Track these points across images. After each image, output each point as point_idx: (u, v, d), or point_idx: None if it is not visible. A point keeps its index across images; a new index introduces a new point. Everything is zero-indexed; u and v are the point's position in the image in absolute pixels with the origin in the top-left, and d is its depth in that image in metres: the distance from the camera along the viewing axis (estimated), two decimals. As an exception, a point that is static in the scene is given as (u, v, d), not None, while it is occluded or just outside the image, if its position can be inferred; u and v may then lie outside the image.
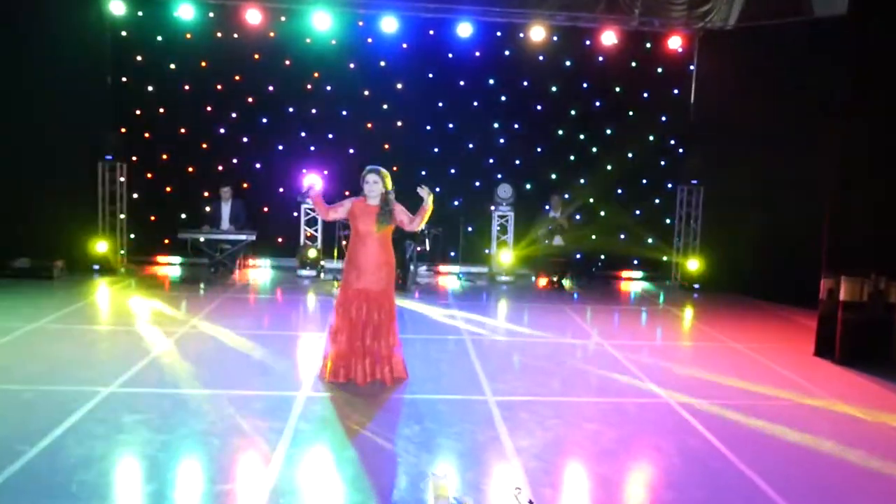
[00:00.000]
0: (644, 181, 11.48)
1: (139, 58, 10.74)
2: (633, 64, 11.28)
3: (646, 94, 11.37)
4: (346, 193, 9.16)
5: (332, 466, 4.19)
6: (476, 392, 5.58)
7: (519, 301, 9.78)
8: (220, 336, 6.99)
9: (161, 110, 10.87)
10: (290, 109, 11.07)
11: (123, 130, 10.69)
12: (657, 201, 11.54)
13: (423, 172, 11.11)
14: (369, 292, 5.53)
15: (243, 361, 6.11)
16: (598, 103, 11.38)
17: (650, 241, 11.57)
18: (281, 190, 11.17)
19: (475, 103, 11.32)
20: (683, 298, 10.30)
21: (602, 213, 11.44)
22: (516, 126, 11.36)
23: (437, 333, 7.51)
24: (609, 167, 11.42)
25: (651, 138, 11.44)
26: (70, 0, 10.07)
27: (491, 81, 11.30)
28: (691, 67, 11.34)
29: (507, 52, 11.21)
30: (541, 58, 11.16)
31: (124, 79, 10.72)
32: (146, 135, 10.87)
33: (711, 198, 11.00)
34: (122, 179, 10.64)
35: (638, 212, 11.47)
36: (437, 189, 11.19)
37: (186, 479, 3.97)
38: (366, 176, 5.57)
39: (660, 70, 11.31)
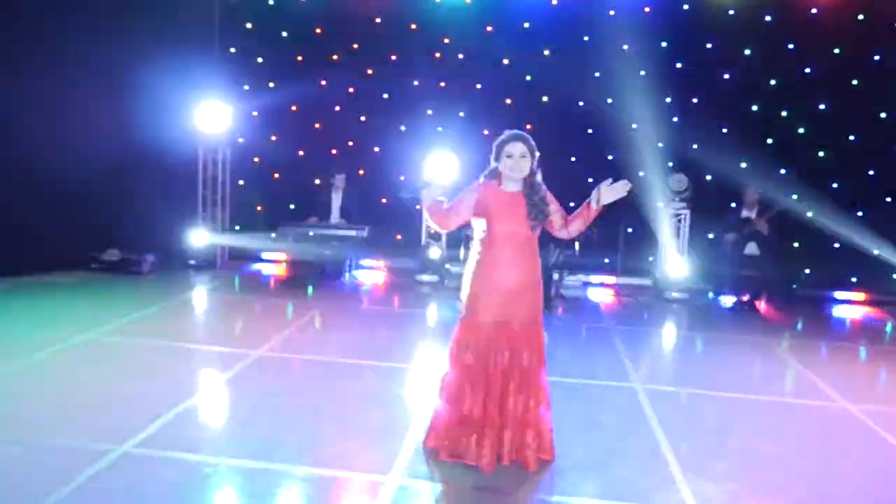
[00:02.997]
0: (871, 172, 8.67)
1: (248, 25, 9.41)
2: (861, 17, 8.53)
3: (877, 57, 8.58)
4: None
5: None
6: (670, 498, 3.41)
7: (698, 328, 7.42)
8: (301, 365, 5.30)
9: (271, 84, 9.48)
10: (415, 83, 9.33)
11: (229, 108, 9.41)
12: (889, 199, 8.66)
13: (573, 159, 9.03)
14: (512, 328, 3.54)
15: (319, 412, 4.30)
16: (808, 70, 8.72)
17: (877, 252, 8.68)
18: (402, 178, 9.43)
19: (642, 72, 8.95)
20: (935, 334, 7.47)
21: (810, 215, 8.71)
22: (695, 100, 8.97)
23: (594, 377, 5.36)
24: (821, 154, 8.75)
25: (883, 115, 8.61)
26: (176, -40, 8.89)
27: (664, 45, 8.96)
28: (946, 19, 8.39)
29: (685, 7, 8.86)
30: (731, 12, 8.70)
31: (232, 49, 9.44)
32: (254, 113, 9.52)
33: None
34: (226, 163, 9.36)
35: (860, 213, 8.65)
36: (591, 180, 8.99)
37: None
38: (507, 146, 3.56)
39: (898, 24, 8.46)
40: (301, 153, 9.57)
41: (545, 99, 9.14)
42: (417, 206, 3.53)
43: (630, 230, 8.97)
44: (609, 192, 3.48)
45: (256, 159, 9.62)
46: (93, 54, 8.39)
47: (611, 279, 8.97)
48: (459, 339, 3.63)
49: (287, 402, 4.46)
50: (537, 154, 3.60)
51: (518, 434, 3.59)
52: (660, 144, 8.98)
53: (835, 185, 8.72)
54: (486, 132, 8.90)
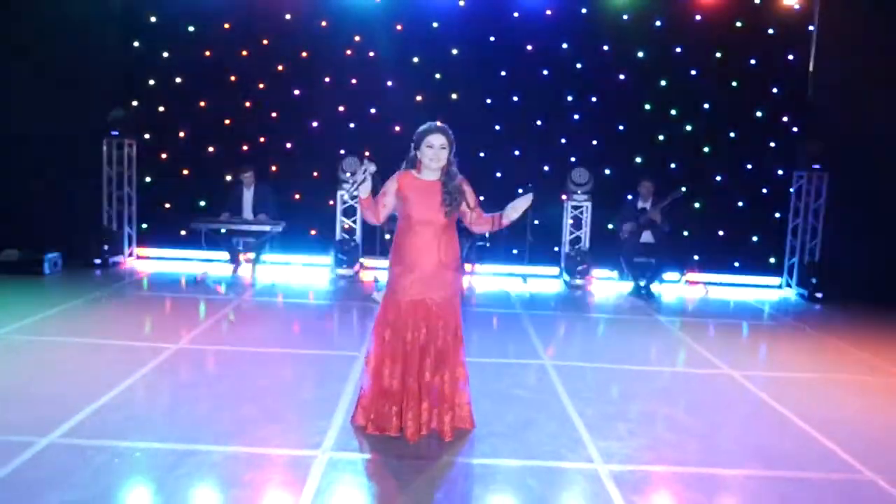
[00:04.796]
0: (749, 166, 9.46)
1: (153, 18, 9.19)
2: (739, 24, 9.25)
3: (753, 61, 9.31)
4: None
5: None
6: (579, 456, 3.77)
7: (600, 311, 7.93)
8: (222, 356, 5.35)
9: (178, 80, 9.29)
10: (327, 80, 9.36)
11: (134, 103, 9.19)
12: (765, 191, 9.50)
13: (482, 154, 9.39)
14: (429, 304, 3.78)
15: (246, 397, 4.42)
16: (693, 72, 9.39)
17: (756, 239, 9.55)
18: (315, 174, 9.50)
19: (545, 72, 9.45)
20: (806, 310, 8.30)
21: (697, 206, 9.46)
22: (594, 99, 9.44)
23: (506, 356, 5.72)
24: (706, 149, 9.43)
25: (759, 114, 9.38)
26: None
27: (564, 46, 9.40)
28: (811, 27, 9.28)
29: (584, 10, 9.30)
30: (625, 17, 9.25)
31: (136, 43, 9.20)
32: (160, 108, 9.32)
33: (837, 187, 8.95)
34: (132, 160, 9.15)
35: (741, 203, 9.46)
36: (499, 174, 9.44)
37: None
38: (427, 136, 3.79)
39: (771, 31, 9.25)
40: (211, 150, 9.45)
41: (454, 96, 9.42)
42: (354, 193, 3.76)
43: (536, 222, 9.41)
44: (515, 211, 3.79)
45: (164, 155, 9.41)
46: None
47: (518, 268, 9.36)
48: (380, 316, 3.86)
49: (211, 390, 4.54)
50: (454, 146, 3.87)
51: (436, 406, 3.85)
52: (562, 140, 9.49)
53: (718, 179, 9.48)
54: (397, 129, 9.15)
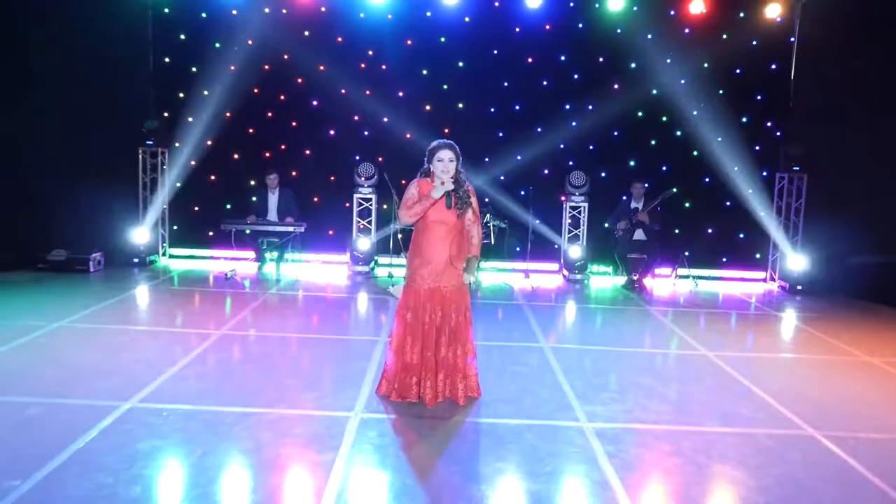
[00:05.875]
0: (735, 168, 10.16)
1: (182, 36, 9.99)
2: (724, 36, 9.96)
3: (738, 70, 10.04)
4: (403, 182, 8.29)
5: (396, 522, 3.22)
6: (567, 417, 4.52)
7: (596, 303, 8.65)
8: (259, 340, 6.11)
9: (205, 93, 10.08)
10: (342, 91, 10.11)
11: (166, 115, 9.99)
12: (750, 191, 10.20)
13: (487, 159, 10.13)
14: (443, 292, 4.54)
15: (286, 372, 5.19)
16: (682, 81, 10.11)
17: (742, 236, 10.27)
18: (332, 178, 10.28)
19: (544, 82, 10.20)
20: (786, 302, 9.02)
21: (687, 205, 10.18)
22: (590, 107, 10.18)
23: (509, 340, 6.47)
24: (695, 153, 10.13)
25: (744, 120, 10.12)
26: (109, -25, 9.39)
27: (562, 58, 10.16)
28: (792, 39, 9.99)
29: (580, 25, 10.05)
30: (619, 31, 9.96)
31: (166, 59, 10.00)
32: (189, 119, 10.11)
33: (816, 188, 9.66)
34: (164, 167, 9.95)
35: (728, 203, 10.17)
36: (502, 177, 10.18)
37: (207, 536, 3.04)
38: (438, 152, 4.53)
39: (755, 42, 9.96)
40: (236, 157, 10.23)
41: (460, 106, 10.16)
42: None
43: (537, 221, 10.14)
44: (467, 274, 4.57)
45: (193, 162, 10.18)
46: (35, 64, 8.87)
47: (521, 264, 10.10)
48: (402, 302, 4.62)
49: (255, 366, 5.30)
50: (461, 158, 4.62)
51: (450, 377, 4.60)
52: (561, 146, 10.22)
53: (707, 180, 10.19)
54: (408, 136, 9.91)
